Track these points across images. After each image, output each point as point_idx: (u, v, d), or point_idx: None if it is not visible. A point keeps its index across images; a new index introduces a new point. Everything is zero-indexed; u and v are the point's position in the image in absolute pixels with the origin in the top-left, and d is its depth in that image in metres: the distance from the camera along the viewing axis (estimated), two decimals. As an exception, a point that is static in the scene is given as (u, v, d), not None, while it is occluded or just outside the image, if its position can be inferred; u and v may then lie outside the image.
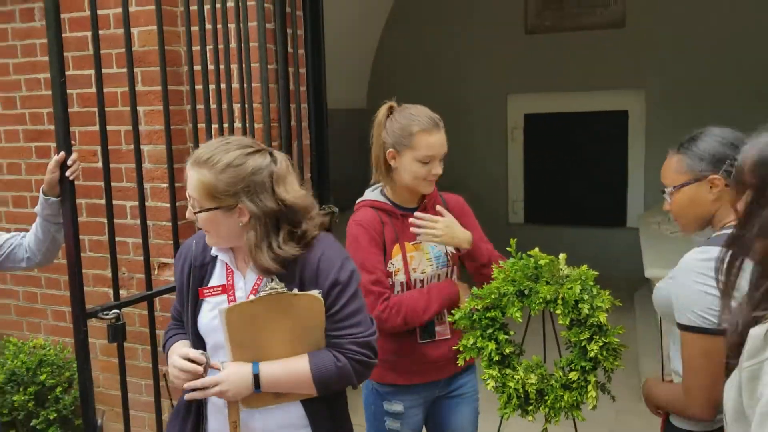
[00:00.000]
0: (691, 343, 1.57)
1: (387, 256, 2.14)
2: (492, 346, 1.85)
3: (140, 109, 2.87)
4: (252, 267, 1.69)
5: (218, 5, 2.64)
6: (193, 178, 1.63)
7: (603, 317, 1.74)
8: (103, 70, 2.47)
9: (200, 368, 1.62)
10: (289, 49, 3.00)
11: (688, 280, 1.57)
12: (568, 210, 7.11)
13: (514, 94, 7.05)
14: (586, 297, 1.76)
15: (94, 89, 2.92)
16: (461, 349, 1.90)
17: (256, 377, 1.63)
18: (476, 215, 2.30)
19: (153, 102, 2.93)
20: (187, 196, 1.67)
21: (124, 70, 2.52)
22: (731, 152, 1.66)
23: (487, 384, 1.86)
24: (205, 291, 1.73)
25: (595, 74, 6.55)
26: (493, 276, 1.91)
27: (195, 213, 1.65)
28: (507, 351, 1.86)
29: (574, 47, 6.61)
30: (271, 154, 1.68)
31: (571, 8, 6.64)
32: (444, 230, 2.08)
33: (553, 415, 1.82)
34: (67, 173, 2.05)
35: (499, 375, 1.85)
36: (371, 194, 2.27)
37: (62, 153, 2.04)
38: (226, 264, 1.74)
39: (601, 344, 1.75)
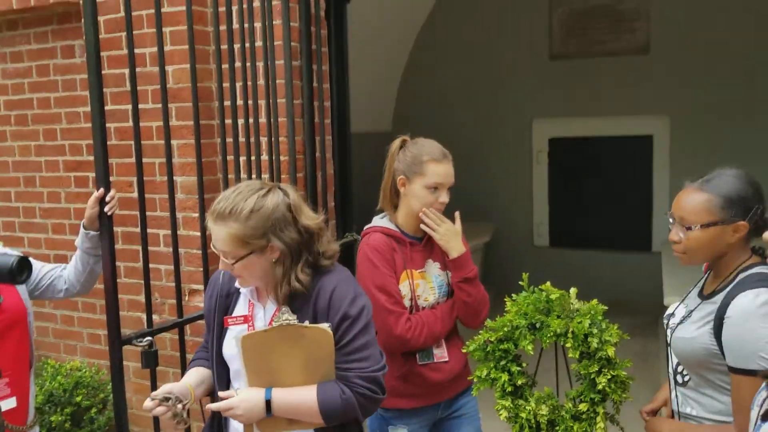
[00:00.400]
0: (746, 386, 1.58)
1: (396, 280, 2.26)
2: (505, 377, 1.92)
3: (174, 142, 3.01)
4: (272, 298, 1.80)
5: (248, 44, 2.77)
6: (222, 232, 1.72)
7: (611, 351, 1.81)
8: (140, 106, 2.62)
9: (161, 409, 1.72)
10: (315, 84, 3.13)
11: (755, 326, 1.60)
12: (592, 234, 7.11)
13: (539, 119, 7.11)
14: (595, 331, 1.82)
15: (130, 123, 3.10)
16: (475, 379, 1.97)
17: (268, 402, 1.72)
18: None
19: (186, 136, 3.08)
20: (216, 251, 1.76)
21: (159, 105, 2.67)
22: (757, 200, 1.73)
23: (501, 414, 1.93)
24: (229, 320, 1.85)
25: (619, 99, 6.59)
26: (506, 309, 1.99)
27: (232, 264, 1.74)
28: (519, 382, 1.93)
29: (598, 73, 6.66)
30: (280, 188, 1.80)
31: (595, 34, 6.69)
32: (443, 233, 2.24)
33: (564, 445, 1.88)
34: (106, 209, 2.18)
35: (511, 405, 1.92)
36: (380, 221, 2.37)
37: (102, 189, 2.18)
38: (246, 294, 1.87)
39: (609, 377, 1.81)
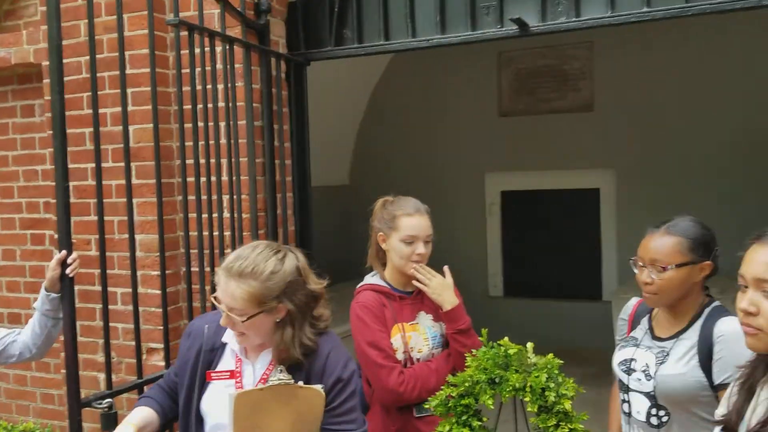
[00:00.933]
0: None
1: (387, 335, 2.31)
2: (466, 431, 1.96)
3: (134, 200, 3.02)
4: (263, 356, 1.83)
5: (210, 105, 2.83)
6: (238, 290, 1.72)
7: (568, 405, 1.87)
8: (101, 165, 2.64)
9: None
10: (276, 143, 3.20)
11: (743, 345, 1.72)
12: (545, 283, 7.27)
13: (491, 173, 7.32)
14: (551, 385, 1.88)
15: (90, 181, 3.11)
16: (437, 434, 2.01)
17: None
18: (458, 288, 2.45)
19: (145, 194, 3.10)
20: (221, 306, 1.75)
21: (119, 164, 2.69)
22: (715, 242, 1.94)
23: (462, 468, 1.96)
24: (213, 374, 1.85)
25: (567, 154, 6.84)
26: (466, 364, 2.04)
27: (243, 321, 1.73)
28: (480, 436, 1.97)
29: (546, 129, 6.92)
30: (291, 251, 1.87)
31: (542, 93, 6.99)
32: (435, 287, 2.31)
33: (525, 498, 1.92)
34: (68, 271, 2.18)
35: (473, 459, 1.95)
36: (371, 279, 2.46)
37: (64, 252, 2.18)
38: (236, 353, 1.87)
39: (567, 430, 1.86)
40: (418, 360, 2.32)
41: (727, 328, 1.85)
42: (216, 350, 1.88)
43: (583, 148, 6.80)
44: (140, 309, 3.00)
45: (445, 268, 2.38)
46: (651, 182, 6.58)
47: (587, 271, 7.11)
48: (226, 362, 1.88)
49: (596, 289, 7.07)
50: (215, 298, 1.79)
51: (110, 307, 3.07)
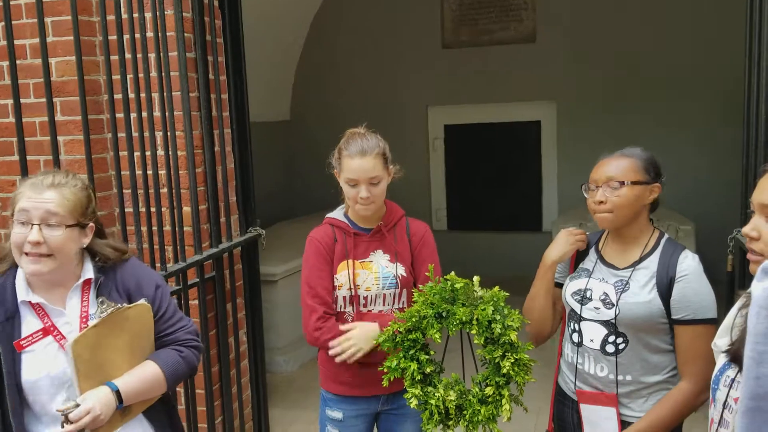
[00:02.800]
0: (707, 333, 1.83)
1: (333, 271, 2.30)
2: (414, 366, 1.97)
3: (60, 138, 2.85)
4: (70, 297, 1.76)
5: (137, 35, 2.65)
6: (59, 196, 1.72)
7: (514, 335, 1.89)
8: (21, 101, 2.46)
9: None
10: (211, 76, 3.05)
11: (705, 281, 1.92)
12: (487, 216, 7.37)
13: (434, 106, 7.26)
14: (498, 317, 1.89)
15: (11, 119, 2.91)
16: (386, 370, 2.01)
17: (117, 393, 1.70)
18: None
19: (73, 131, 2.92)
20: (35, 221, 1.67)
21: (42, 100, 2.51)
22: (661, 169, 2.01)
23: (411, 402, 1.97)
24: (23, 342, 1.70)
25: (509, 87, 6.83)
26: (413, 299, 2.03)
27: (65, 229, 1.71)
28: (428, 370, 1.98)
29: (489, 61, 6.86)
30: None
31: (485, 24, 6.89)
32: (356, 340, 2.20)
33: (472, 429, 1.95)
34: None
35: (421, 393, 1.97)
36: (335, 212, 2.42)
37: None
38: (36, 308, 1.73)
39: (512, 360, 1.89)
40: (365, 298, 2.29)
41: (690, 268, 1.92)
42: (11, 318, 1.71)
43: (525, 81, 6.79)
44: (73, 252, 2.88)
45: (344, 327, 2.25)
46: (591, 115, 6.65)
47: (529, 203, 7.22)
48: (30, 324, 1.73)
49: (537, 220, 7.20)
50: (17, 212, 1.69)
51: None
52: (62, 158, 2.88)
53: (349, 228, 2.34)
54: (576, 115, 6.75)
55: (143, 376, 1.78)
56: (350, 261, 2.29)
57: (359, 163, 2.21)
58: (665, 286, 1.92)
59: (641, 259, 1.99)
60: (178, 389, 2.90)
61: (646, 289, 1.95)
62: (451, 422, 1.97)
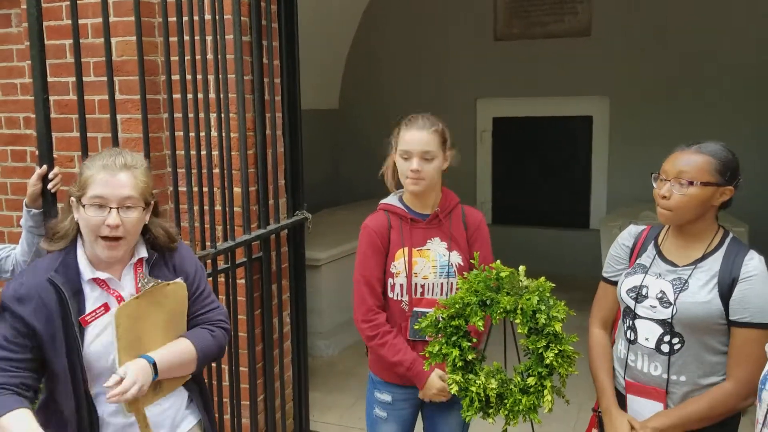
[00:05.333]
0: (762, 338, 1.77)
1: (389, 258, 2.28)
2: (456, 352, 1.97)
3: (118, 116, 2.93)
4: (125, 273, 1.81)
5: (196, 17, 2.71)
6: (134, 179, 1.76)
7: (558, 326, 1.88)
8: (83, 79, 2.53)
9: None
10: (265, 60, 3.09)
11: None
12: (533, 211, 7.29)
13: (483, 99, 7.20)
14: (543, 307, 1.88)
15: (72, 96, 3.00)
16: (427, 355, 2.02)
17: (153, 366, 1.76)
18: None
19: (130, 110, 3.00)
20: (113, 205, 1.71)
21: (103, 78, 2.59)
22: (738, 170, 1.91)
23: (451, 388, 1.98)
24: (88, 317, 1.74)
25: (561, 80, 6.72)
26: (458, 286, 2.03)
27: (141, 212, 1.78)
28: (470, 357, 1.98)
29: (541, 54, 6.77)
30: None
31: (538, 16, 6.80)
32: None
33: (512, 418, 1.95)
34: (49, 186, 2.11)
35: (462, 380, 1.97)
36: (390, 198, 2.40)
37: (45, 167, 2.10)
38: (100, 284, 1.77)
39: (556, 352, 1.88)
40: (422, 287, 2.27)
41: (757, 269, 1.85)
42: (77, 294, 1.74)
43: (578, 75, 6.67)
44: (127, 228, 2.97)
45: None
46: (645, 112, 6.51)
47: (576, 200, 7.12)
48: (93, 300, 1.77)
49: (584, 217, 7.09)
50: (92, 198, 1.70)
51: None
52: (120, 136, 2.96)
53: (405, 214, 2.31)
54: (629, 111, 6.61)
55: (177, 351, 1.83)
56: (407, 249, 2.27)
57: (414, 134, 2.21)
58: (727, 287, 1.86)
59: (703, 258, 1.92)
60: (223, 366, 2.97)
61: (706, 288, 1.88)
62: (491, 410, 1.97)
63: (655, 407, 1.97)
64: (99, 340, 1.76)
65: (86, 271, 1.77)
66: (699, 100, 6.30)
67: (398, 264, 2.27)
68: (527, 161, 7.25)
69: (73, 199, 1.76)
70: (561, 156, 7.13)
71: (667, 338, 1.93)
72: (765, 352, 1.70)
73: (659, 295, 1.93)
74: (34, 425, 1.60)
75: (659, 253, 2.02)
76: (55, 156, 2.34)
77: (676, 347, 1.92)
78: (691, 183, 1.87)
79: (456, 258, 2.28)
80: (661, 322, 1.93)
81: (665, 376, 1.94)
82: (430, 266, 2.26)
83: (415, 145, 2.20)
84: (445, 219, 2.31)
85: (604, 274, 2.17)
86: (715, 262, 1.90)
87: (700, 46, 6.23)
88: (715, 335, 1.89)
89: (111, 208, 1.70)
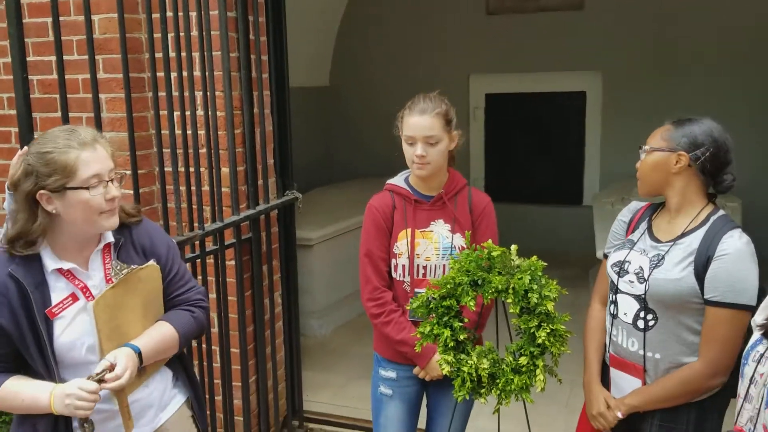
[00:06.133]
0: (739, 319, 1.76)
1: (393, 238, 2.28)
2: (447, 332, 1.95)
3: (102, 96, 2.88)
4: (95, 254, 1.78)
5: (179, -7, 2.64)
6: (109, 150, 1.75)
7: (550, 306, 1.85)
8: (65, 57, 2.47)
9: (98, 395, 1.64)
10: (251, 37, 3.03)
11: (748, 264, 1.81)
12: (527, 188, 7.26)
13: (475, 75, 7.13)
14: (535, 287, 1.86)
15: (54, 75, 2.93)
16: (419, 335, 2.00)
17: (139, 355, 1.74)
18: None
19: (114, 89, 2.93)
20: (105, 177, 1.69)
21: (85, 57, 2.52)
22: (710, 144, 1.87)
23: (443, 369, 1.96)
24: (54, 309, 1.70)
25: (554, 55, 6.65)
26: (450, 266, 2.00)
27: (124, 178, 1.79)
28: (461, 337, 1.96)
29: (534, 28, 6.69)
30: None
31: (531, -10, 6.71)
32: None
33: (504, 398, 1.93)
34: (32, 167, 2.06)
35: (453, 360, 1.95)
36: (396, 178, 2.39)
37: (26, 148, 2.05)
38: (64, 274, 1.73)
39: (548, 331, 1.85)
40: (424, 268, 2.27)
41: (732, 247, 1.82)
42: (40, 286, 1.70)
43: (570, 50, 6.60)
44: (113, 210, 2.92)
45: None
46: (638, 87, 6.45)
47: (570, 176, 7.09)
48: (59, 291, 1.73)
49: (578, 194, 7.07)
50: (88, 179, 1.66)
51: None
52: (103, 116, 2.90)
53: (410, 195, 2.30)
54: (623, 86, 6.55)
55: (160, 336, 1.82)
56: (409, 230, 2.27)
57: (417, 119, 2.19)
58: (702, 265, 1.84)
59: (684, 234, 1.91)
60: (214, 347, 2.94)
61: (681, 265, 1.87)
62: (483, 390, 1.96)
63: (635, 382, 1.99)
64: (68, 331, 1.72)
65: (49, 262, 1.72)
66: (694, 74, 6.24)
67: (401, 245, 2.27)
68: (520, 138, 7.20)
69: (43, 192, 1.67)
70: (554, 132, 7.08)
71: (642, 314, 1.94)
72: (734, 332, 1.73)
73: (636, 271, 1.94)
74: (33, 381, 1.69)
75: (649, 229, 2.02)
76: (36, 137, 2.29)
77: (651, 323, 1.92)
78: (647, 149, 1.93)
79: (459, 240, 2.27)
80: (637, 298, 1.95)
81: (641, 352, 1.95)
82: (433, 248, 2.27)
83: (419, 131, 2.18)
84: (449, 201, 2.30)
85: (605, 251, 2.18)
86: (695, 239, 1.89)
87: (695, 18, 6.16)
88: (692, 314, 1.88)
89: (107, 181, 1.70)
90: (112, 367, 1.66)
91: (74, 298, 1.74)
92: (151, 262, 1.84)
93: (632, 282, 1.95)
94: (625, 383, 2.02)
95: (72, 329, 1.72)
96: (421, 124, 2.18)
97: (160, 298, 1.88)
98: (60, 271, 1.73)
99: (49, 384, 1.68)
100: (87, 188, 1.66)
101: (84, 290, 1.75)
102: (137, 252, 1.84)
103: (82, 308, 1.75)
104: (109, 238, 1.81)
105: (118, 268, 1.76)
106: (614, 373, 2.05)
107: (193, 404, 2.03)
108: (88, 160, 1.67)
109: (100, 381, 1.65)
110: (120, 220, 1.80)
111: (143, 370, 1.81)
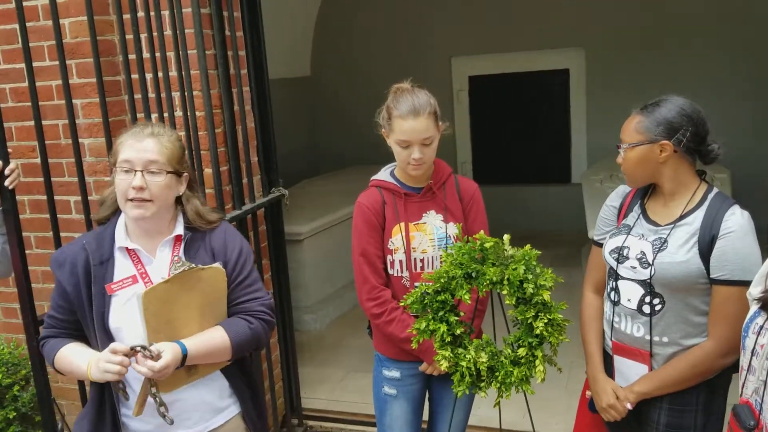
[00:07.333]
0: (741, 296, 1.70)
1: (386, 234, 2.24)
2: (443, 327, 1.91)
3: (77, 101, 2.80)
4: (161, 248, 1.82)
5: (150, -8, 2.57)
6: (159, 144, 1.78)
7: (546, 295, 1.81)
8: (36, 64, 2.41)
9: (126, 360, 1.66)
10: (227, 33, 2.96)
11: (751, 241, 1.80)
12: (515, 169, 7.24)
13: (457, 57, 7.07)
14: (530, 277, 1.82)
15: (27, 83, 2.86)
16: (414, 332, 1.96)
17: (183, 357, 1.72)
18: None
19: (89, 94, 2.86)
20: (138, 168, 1.74)
21: (57, 62, 2.46)
22: (687, 123, 1.83)
23: (441, 364, 1.92)
24: (113, 285, 1.78)
25: (535, 34, 6.60)
26: (442, 260, 1.96)
27: (166, 175, 1.78)
28: (458, 331, 1.92)
29: (514, 7, 6.63)
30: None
31: (509, -32, 6.64)
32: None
33: (505, 390, 1.90)
34: (6, 183, 2.00)
35: (451, 355, 1.91)
36: (381, 173, 2.33)
37: (0, 162, 1.99)
38: (131, 254, 1.82)
39: (546, 321, 1.82)
40: (421, 261, 2.23)
41: (736, 224, 1.80)
42: (105, 263, 1.80)
43: (552, 27, 6.55)
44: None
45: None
46: (622, 63, 6.41)
47: (557, 155, 7.07)
48: (123, 270, 1.81)
49: (566, 172, 7.05)
50: (121, 163, 1.75)
51: (65, 216, 2.93)
52: (79, 122, 2.83)
53: (398, 189, 2.25)
54: (606, 62, 6.51)
55: (211, 342, 1.80)
56: (403, 224, 2.22)
57: (412, 124, 2.11)
58: (707, 244, 1.82)
59: (683, 216, 1.89)
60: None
61: (686, 247, 1.85)
62: (483, 384, 1.92)
63: (641, 369, 1.96)
64: (121, 311, 1.77)
65: (120, 239, 1.81)
66: (679, 47, 6.20)
67: (395, 240, 2.22)
68: (506, 119, 7.17)
69: (112, 167, 1.81)
70: (540, 111, 7.05)
71: (647, 299, 1.91)
72: (743, 309, 1.67)
73: (639, 256, 1.91)
74: (90, 349, 1.78)
75: (644, 213, 1.99)
76: (11, 147, 2.23)
77: (657, 308, 1.90)
78: (626, 147, 1.89)
79: (453, 229, 2.23)
80: (642, 283, 1.91)
81: (648, 337, 1.93)
82: (428, 240, 2.23)
83: (415, 135, 2.11)
84: (438, 191, 2.26)
85: (594, 237, 2.15)
86: (696, 219, 1.86)
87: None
88: (698, 295, 1.86)
89: (136, 171, 1.73)
90: (155, 357, 1.66)
91: (134, 280, 1.79)
92: (217, 264, 1.82)
93: (635, 267, 1.92)
94: (630, 370, 1.99)
95: (124, 310, 1.77)
96: (416, 128, 2.11)
97: (223, 301, 1.85)
98: (127, 250, 1.81)
99: (89, 354, 1.76)
100: (121, 171, 1.75)
101: (143, 275, 1.80)
102: (206, 251, 1.85)
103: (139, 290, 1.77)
104: (179, 230, 1.85)
105: (179, 264, 1.76)
106: (618, 360, 2.03)
107: (248, 420, 1.98)
108: (127, 145, 1.76)
109: (133, 353, 1.66)
110: (195, 224, 1.86)
111: (193, 369, 1.80)
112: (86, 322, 1.79)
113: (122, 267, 1.81)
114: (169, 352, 1.69)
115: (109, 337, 1.77)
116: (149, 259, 1.82)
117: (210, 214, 1.91)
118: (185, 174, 1.85)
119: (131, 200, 1.75)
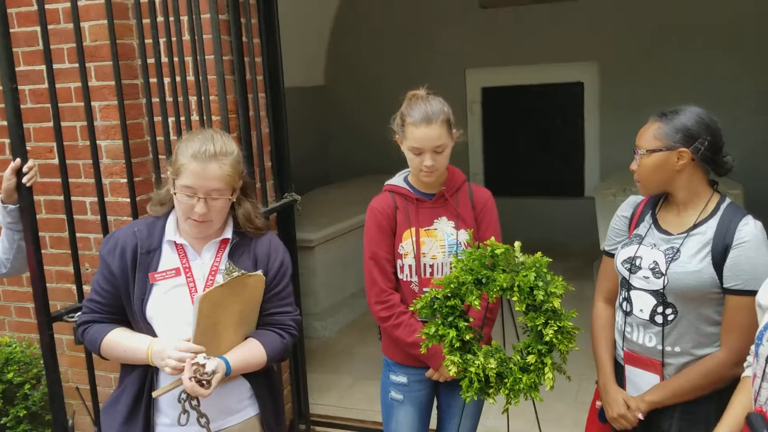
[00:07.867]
0: (753, 306, 1.68)
1: (397, 239, 2.25)
2: (453, 333, 1.91)
3: (95, 104, 2.84)
4: (207, 248, 1.86)
5: (169, -3, 2.61)
6: (221, 169, 1.78)
7: (557, 302, 1.81)
8: (55, 66, 2.44)
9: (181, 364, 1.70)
10: (244, 39, 2.99)
11: (763, 252, 1.79)
12: (527, 181, 7.23)
13: (471, 69, 7.09)
14: (540, 284, 1.82)
15: (46, 85, 2.90)
16: (423, 337, 1.96)
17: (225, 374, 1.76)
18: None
19: (107, 97, 2.90)
20: (200, 194, 1.77)
21: (77, 65, 2.50)
22: (705, 132, 1.83)
23: (449, 370, 1.93)
24: (156, 275, 1.83)
25: (550, 47, 6.62)
26: (452, 265, 1.97)
27: (227, 200, 1.83)
28: (467, 337, 1.92)
29: (528, 20, 6.65)
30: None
31: (525, -19, 6.67)
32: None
33: (513, 397, 1.90)
34: (24, 180, 2.03)
35: (460, 360, 1.91)
36: (395, 179, 2.35)
37: (18, 160, 2.02)
38: (178, 248, 1.86)
39: (555, 328, 1.82)
40: (431, 266, 2.24)
41: (750, 235, 1.80)
42: (152, 252, 1.85)
43: (566, 41, 6.57)
44: (111, 218, 2.89)
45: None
46: (636, 76, 6.41)
47: (570, 168, 7.06)
48: (168, 261, 1.86)
49: (579, 185, 7.03)
50: (182, 187, 1.77)
51: (80, 216, 2.97)
52: (97, 124, 2.87)
53: (411, 194, 2.27)
54: (620, 75, 6.52)
55: (251, 358, 1.85)
56: (413, 229, 2.23)
57: (424, 132, 2.12)
58: (720, 254, 1.81)
59: (696, 225, 1.88)
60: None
61: (698, 257, 1.84)
62: (491, 390, 1.92)
63: (653, 379, 1.95)
64: (160, 300, 1.81)
65: (169, 232, 1.86)
66: (692, 61, 6.20)
67: (406, 245, 2.24)
68: (518, 131, 7.18)
69: (169, 175, 1.83)
70: (553, 124, 7.05)
71: (660, 309, 1.90)
72: (752, 321, 1.66)
73: (651, 266, 1.91)
74: (135, 334, 1.82)
75: (655, 222, 1.99)
76: (29, 148, 2.27)
77: (670, 318, 1.89)
78: (642, 153, 1.88)
79: (464, 236, 2.23)
80: (654, 293, 1.91)
81: (660, 347, 1.92)
82: (438, 246, 2.24)
83: (427, 143, 2.12)
84: (451, 197, 2.27)
85: (606, 248, 2.14)
86: (709, 228, 1.86)
87: (692, 4, 6.12)
88: (711, 305, 1.86)
89: (199, 198, 1.76)
90: (207, 377, 1.70)
91: (177, 272, 1.83)
92: (259, 272, 1.85)
93: (647, 278, 1.91)
94: (641, 380, 1.98)
95: (163, 300, 1.82)
96: (429, 136, 2.12)
97: (257, 310, 1.89)
98: (174, 243, 1.86)
99: (148, 338, 1.79)
100: (182, 194, 1.78)
101: (187, 270, 1.84)
102: (249, 258, 1.88)
103: (179, 285, 1.83)
104: (228, 234, 1.89)
105: (231, 268, 1.81)
106: (630, 370, 2.02)
107: (264, 425, 1.99)
108: (191, 173, 1.76)
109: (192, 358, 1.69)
110: (243, 229, 1.90)
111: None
112: (127, 305, 1.84)
113: (168, 259, 1.86)
114: (218, 375, 1.73)
115: (146, 325, 1.82)
116: (195, 255, 1.87)
117: (259, 219, 1.93)
118: (239, 183, 1.87)
119: (191, 219, 1.80)
